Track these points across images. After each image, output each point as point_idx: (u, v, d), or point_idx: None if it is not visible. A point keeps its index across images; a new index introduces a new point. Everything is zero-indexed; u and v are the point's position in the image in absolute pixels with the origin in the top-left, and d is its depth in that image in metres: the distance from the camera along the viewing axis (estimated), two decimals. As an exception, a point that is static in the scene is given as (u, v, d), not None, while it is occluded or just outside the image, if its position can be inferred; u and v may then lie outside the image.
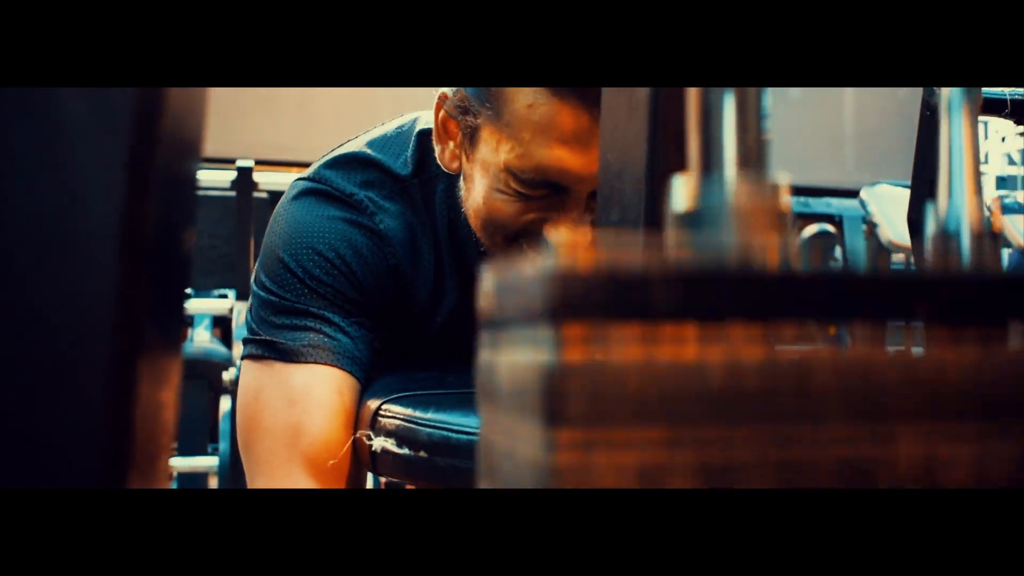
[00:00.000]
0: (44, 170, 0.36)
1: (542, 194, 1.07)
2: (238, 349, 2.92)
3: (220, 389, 2.97)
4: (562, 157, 1.02)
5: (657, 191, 0.75)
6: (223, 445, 2.94)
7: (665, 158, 0.75)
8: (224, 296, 3.26)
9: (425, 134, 1.24)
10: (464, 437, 0.96)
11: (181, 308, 0.43)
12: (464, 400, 1.02)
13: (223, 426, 2.96)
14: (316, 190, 1.21)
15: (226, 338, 3.27)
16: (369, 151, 1.24)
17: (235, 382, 2.61)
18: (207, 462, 2.95)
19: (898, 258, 3.35)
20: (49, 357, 0.36)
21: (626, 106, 0.75)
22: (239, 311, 3.03)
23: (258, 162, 3.11)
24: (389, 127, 1.30)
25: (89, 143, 0.36)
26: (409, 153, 1.24)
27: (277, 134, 5.64)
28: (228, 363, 2.98)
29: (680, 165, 0.72)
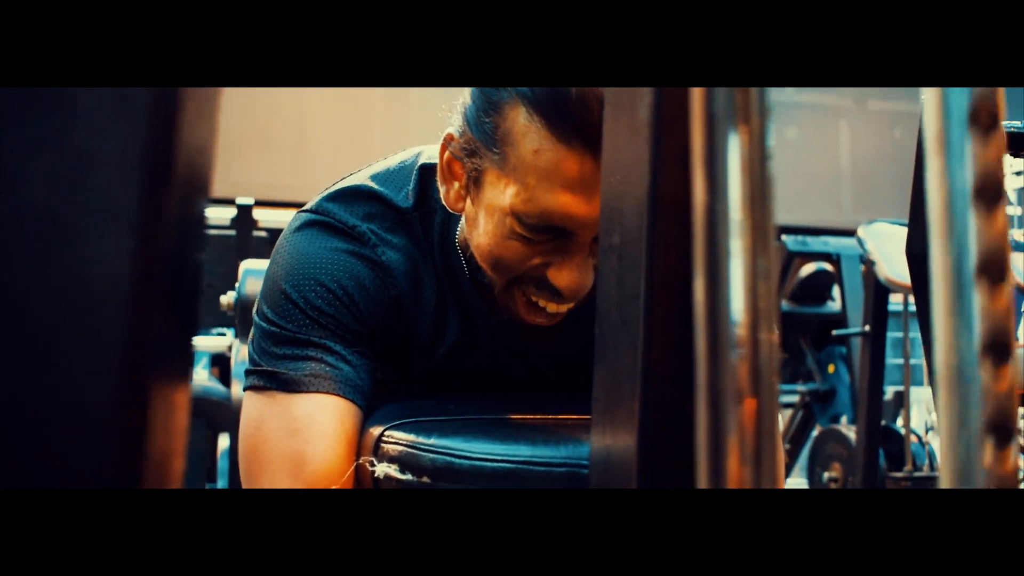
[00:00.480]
0: (60, 164, 0.37)
1: (547, 238, 1.06)
2: (237, 387, 2.91)
3: (218, 428, 2.96)
4: (567, 203, 1.02)
5: (659, 212, 0.75)
6: (221, 484, 2.93)
7: (667, 180, 0.76)
8: (223, 334, 3.26)
9: (427, 168, 1.25)
10: (467, 463, 0.95)
11: (194, 310, 0.43)
12: (467, 426, 1.01)
13: (221, 464, 2.94)
14: (319, 222, 1.21)
15: (224, 377, 3.26)
16: (372, 184, 1.25)
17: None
18: (205, 501, 2.94)
19: (895, 297, 3.36)
20: (64, 352, 0.36)
21: (628, 129, 0.76)
22: (238, 349, 3.02)
23: (256, 202, 3.13)
24: (392, 161, 1.31)
25: (107, 140, 0.37)
26: (411, 187, 1.24)
27: (275, 174, 5.66)
28: (227, 401, 2.97)
29: (682, 187, 0.73)
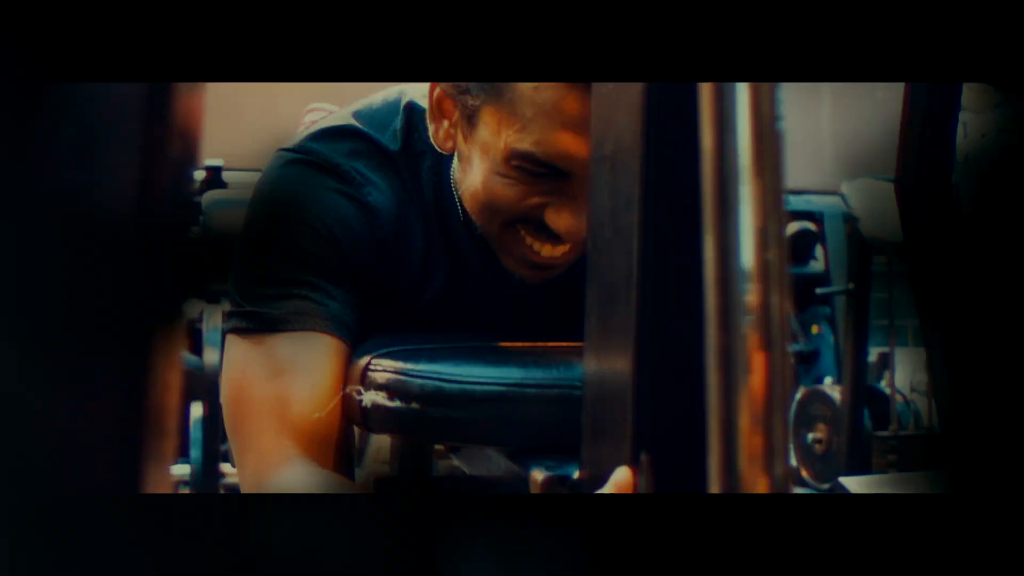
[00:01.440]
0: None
1: (544, 179, 1.04)
2: (208, 355, 2.88)
3: (190, 396, 2.93)
4: (567, 141, 0.99)
5: (653, 117, 0.74)
6: (194, 452, 2.90)
7: (662, 86, 0.75)
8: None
9: (413, 108, 1.22)
10: (457, 386, 0.93)
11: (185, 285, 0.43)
12: (456, 352, 0.99)
13: (194, 434, 2.91)
14: (301, 160, 1.18)
15: (196, 345, 3.22)
16: (355, 122, 1.21)
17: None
18: (179, 471, 2.90)
19: (880, 259, 3.36)
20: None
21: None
22: (208, 316, 2.98)
23: (225, 167, 3.09)
24: (373, 99, 1.27)
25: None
26: (398, 127, 1.21)
27: (244, 142, 5.62)
28: (199, 371, 2.93)
29: (677, 92, 0.72)
